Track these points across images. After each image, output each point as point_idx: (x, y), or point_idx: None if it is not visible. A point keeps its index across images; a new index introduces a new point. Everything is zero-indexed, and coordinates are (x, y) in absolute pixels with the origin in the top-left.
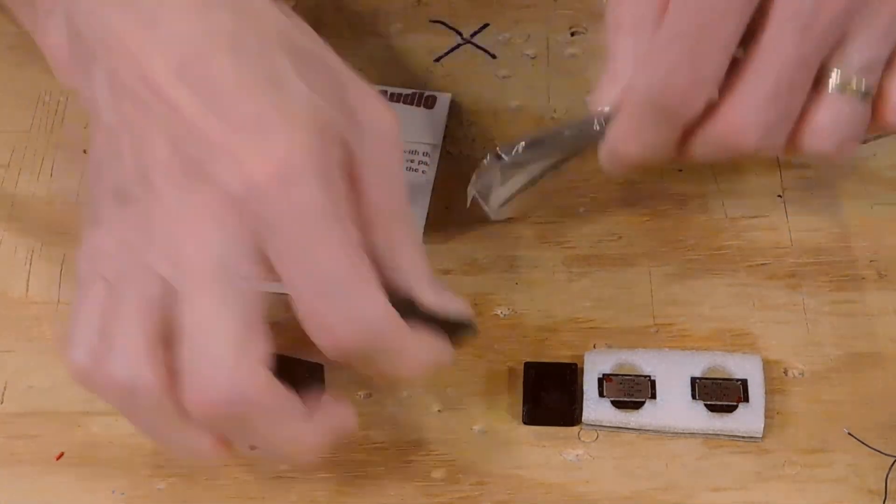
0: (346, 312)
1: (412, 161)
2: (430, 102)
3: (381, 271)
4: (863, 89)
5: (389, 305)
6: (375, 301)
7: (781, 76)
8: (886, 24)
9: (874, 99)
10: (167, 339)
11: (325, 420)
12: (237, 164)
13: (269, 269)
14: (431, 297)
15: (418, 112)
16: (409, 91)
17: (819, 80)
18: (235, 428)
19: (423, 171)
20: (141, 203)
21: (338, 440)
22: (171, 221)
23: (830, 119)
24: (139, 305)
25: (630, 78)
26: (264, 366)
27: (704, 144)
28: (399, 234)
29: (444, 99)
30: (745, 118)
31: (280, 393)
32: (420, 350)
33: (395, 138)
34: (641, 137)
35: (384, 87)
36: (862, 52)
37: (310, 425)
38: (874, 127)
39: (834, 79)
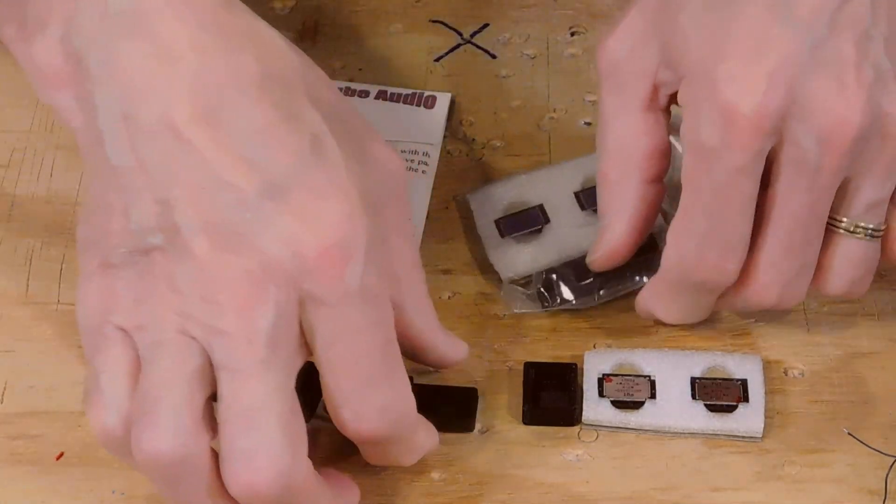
0: (380, 402)
1: (412, 161)
2: (430, 102)
3: (398, 322)
4: (871, 229)
5: (412, 396)
6: (406, 392)
7: (794, 233)
8: (888, 164)
9: (882, 236)
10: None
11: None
12: (287, 235)
13: (305, 347)
14: (443, 345)
15: (418, 112)
16: (409, 91)
17: (829, 226)
18: None
19: (423, 171)
20: (168, 255)
21: None
22: (208, 283)
23: (844, 262)
24: (182, 374)
25: (663, 258)
26: (306, 453)
27: (731, 305)
28: (419, 286)
29: (444, 99)
30: (765, 277)
31: (319, 483)
32: (425, 438)
33: (406, 185)
34: (679, 307)
35: (384, 87)
36: (867, 194)
37: None
38: (884, 261)
39: (844, 224)
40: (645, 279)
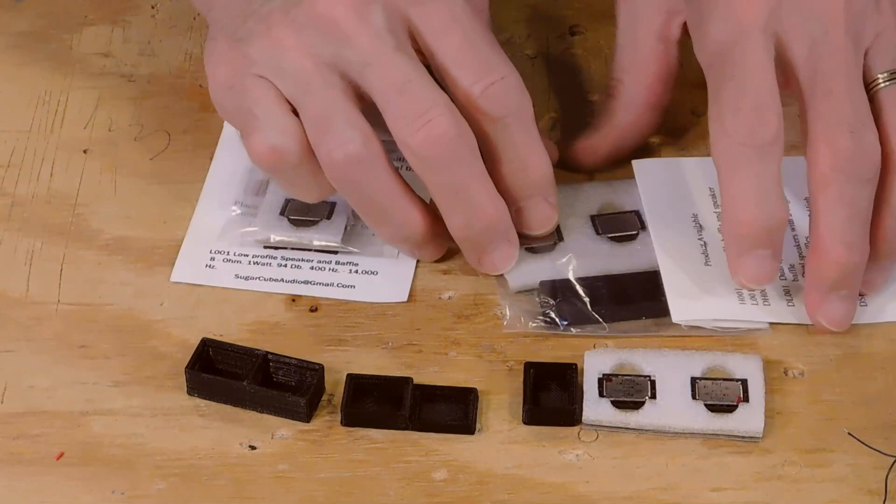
0: (502, 70)
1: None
2: None
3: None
4: None
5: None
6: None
7: (841, 106)
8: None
9: None
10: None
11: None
12: None
13: (417, 47)
14: None
15: None
16: None
17: (871, 94)
18: (455, 171)
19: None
20: (284, 10)
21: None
22: (324, 13)
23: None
24: (338, 96)
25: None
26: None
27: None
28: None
29: None
30: (833, 242)
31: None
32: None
33: None
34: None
35: None
36: (889, 46)
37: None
38: None
39: (882, 79)
40: (650, 323)
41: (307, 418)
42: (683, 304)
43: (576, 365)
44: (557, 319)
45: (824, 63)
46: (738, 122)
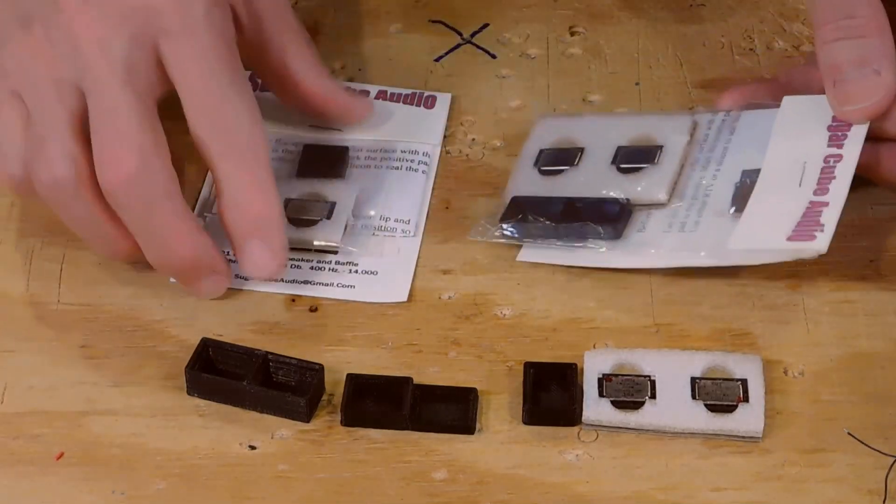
0: (232, 116)
1: (412, 161)
2: (430, 102)
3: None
4: None
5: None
6: (256, 114)
7: None
8: None
9: None
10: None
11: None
12: None
13: (164, 77)
14: (331, 92)
15: (418, 112)
16: (409, 91)
17: None
18: (142, 213)
19: (423, 171)
20: (44, 20)
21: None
22: (76, 32)
23: None
24: (61, 113)
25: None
26: (164, 147)
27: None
28: (289, 28)
29: (444, 99)
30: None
31: (175, 181)
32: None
33: None
34: None
35: (384, 87)
36: None
37: (200, 236)
38: None
39: None
40: (601, 245)
41: (307, 418)
42: (746, 231)
43: (576, 365)
44: (512, 232)
45: None
46: None
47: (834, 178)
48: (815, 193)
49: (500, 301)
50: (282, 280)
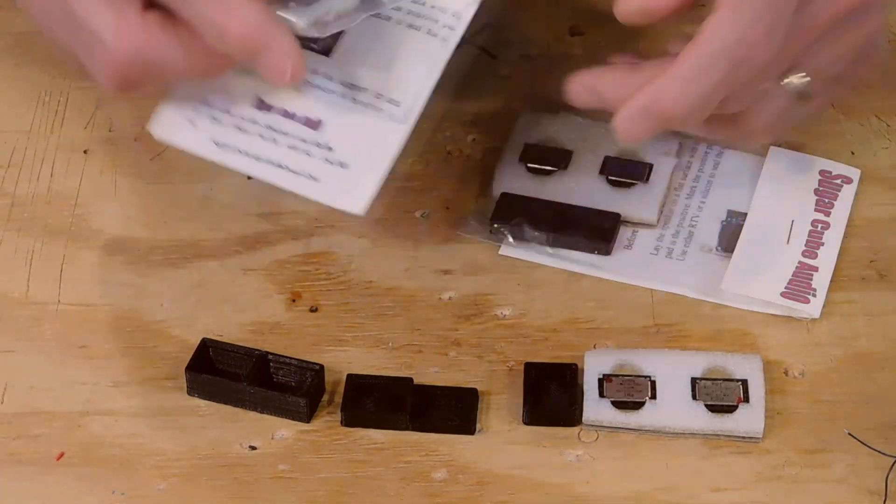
0: None
1: (435, 22)
2: None
3: None
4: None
5: None
6: None
7: None
8: None
9: None
10: None
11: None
12: None
13: None
14: None
15: None
16: None
17: None
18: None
19: (442, 37)
20: None
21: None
22: None
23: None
24: None
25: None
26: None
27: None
28: None
29: None
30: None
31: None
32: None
33: None
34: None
35: None
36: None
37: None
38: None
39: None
40: (600, 260)
41: (307, 418)
42: (739, 276)
43: (576, 365)
44: (504, 233)
45: None
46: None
47: (823, 244)
48: (803, 255)
49: (500, 301)
50: (257, 158)
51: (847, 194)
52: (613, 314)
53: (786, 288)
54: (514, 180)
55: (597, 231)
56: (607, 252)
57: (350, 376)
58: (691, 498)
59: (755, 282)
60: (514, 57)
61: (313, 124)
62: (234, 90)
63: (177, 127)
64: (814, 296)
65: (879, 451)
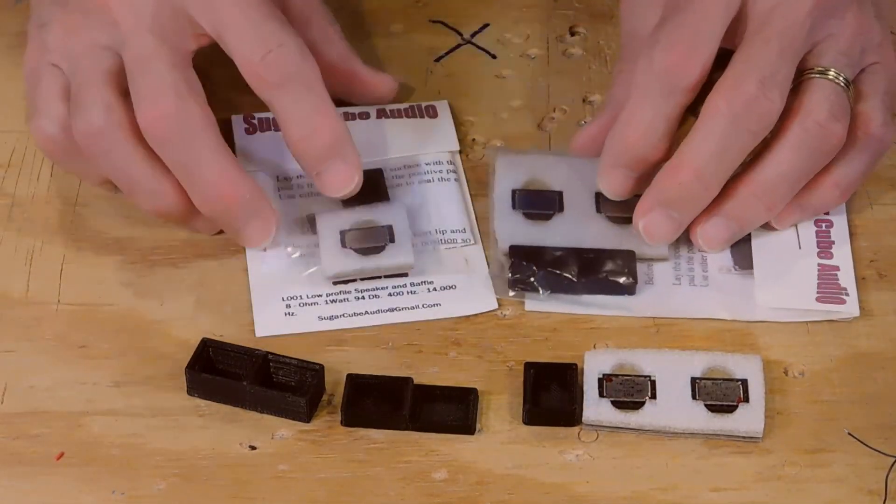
0: (280, 37)
1: (440, 171)
2: (431, 112)
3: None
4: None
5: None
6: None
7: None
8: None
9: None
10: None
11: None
12: None
13: (195, 33)
14: (363, 73)
15: (424, 123)
16: (406, 105)
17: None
18: (182, 149)
19: (454, 179)
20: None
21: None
22: (106, 3)
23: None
24: (98, 71)
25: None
26: (199, 90)
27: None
28: (321, 20)
29: (443, 105)
30: (689, 162)
31: (212, 119)
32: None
33: None
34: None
35: (381, 106)
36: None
37: (237, 171)
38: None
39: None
40: (626, 300)
41: (307, 418)
42: (770, 290)
43: (576, 365)
44: (540, 289)
45: (776, 22)
46: (666, 57)
47: (833, 242)
48: (819, 256)
49: (500, 301)
50: (366, 312)
51: None
52: (613, 314)
53: (818, 292)
54: (516, 230)
55: (618, 272)
56: (633, 292)
57: (350, 376)
58: (691, 498)
59: (787, 292)
60: (514, 57)
61: (401, 274)
62: (303, 278)
63: (278, 323)
64: (847, 294)
65: (879, 451)
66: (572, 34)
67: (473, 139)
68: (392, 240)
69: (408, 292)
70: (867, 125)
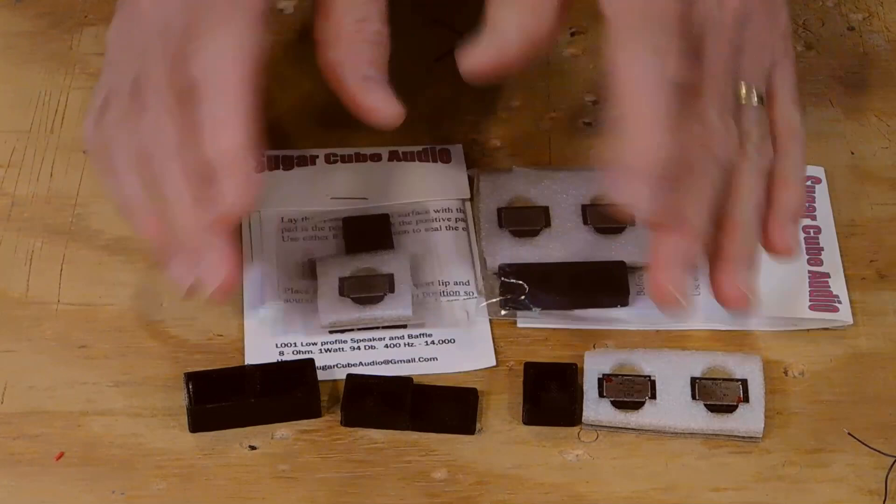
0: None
1: (448, 220)
2: (444, 157)
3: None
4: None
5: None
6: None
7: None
8: None
9: None
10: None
11: None
12: None
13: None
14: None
15: (436, 168)
16: (420, 148)
17: None
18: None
19: (462, 228)
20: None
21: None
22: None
23: None
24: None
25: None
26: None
27: None
28: None
29: (457, 150)
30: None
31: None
32: None
33: None
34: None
35: (395, 148)
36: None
37: None
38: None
39: None
40: (619, 311)
41: (319, 413)
42: (762, 299)
43: (576, 365)
44: (532, 307)
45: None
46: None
47: (822, 248)
48: (809, 263)
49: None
50: (360, 363)
51: (822, 194)
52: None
53: (811, 300)
54: (504, 249)
55: (611, 284)
56: (627, 303)
57: (350, 376)
58: (691, 498)
59: (781, 301)
60: None
61: (400, 325)
62: (298, 326)
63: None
64: (839, 302)
65: (879, 451)
66: (572, 34)
67: (473, 139)
68: (392, 290)
69: (405, 344)
70: (790, 124)
